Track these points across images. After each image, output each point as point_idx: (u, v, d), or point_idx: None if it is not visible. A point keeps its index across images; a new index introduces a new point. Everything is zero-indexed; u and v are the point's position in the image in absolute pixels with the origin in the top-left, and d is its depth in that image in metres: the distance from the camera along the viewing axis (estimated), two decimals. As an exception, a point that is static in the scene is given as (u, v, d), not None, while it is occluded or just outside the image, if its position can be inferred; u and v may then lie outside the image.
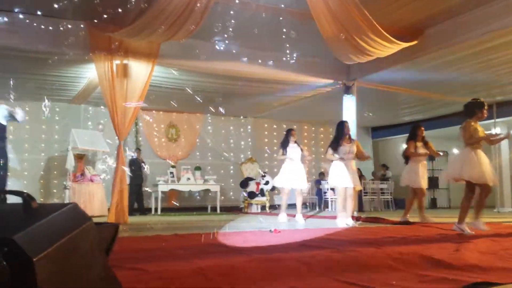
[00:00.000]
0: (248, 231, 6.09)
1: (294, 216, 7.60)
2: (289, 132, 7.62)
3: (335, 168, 6.89)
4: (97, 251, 1.49)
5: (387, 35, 6.21)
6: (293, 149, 7.51)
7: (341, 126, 7.03)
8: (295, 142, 7.59)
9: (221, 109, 10.19)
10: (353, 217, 7.10)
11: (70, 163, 9.35)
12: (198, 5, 5.29)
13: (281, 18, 6.25)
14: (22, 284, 1.23)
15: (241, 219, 8.56)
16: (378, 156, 15.57)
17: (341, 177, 6.79)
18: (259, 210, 11.62)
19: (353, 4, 5.52)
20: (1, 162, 4.67)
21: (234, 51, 7.23)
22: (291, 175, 7.41)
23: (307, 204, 12.63)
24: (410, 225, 6.55)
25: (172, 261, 3.18)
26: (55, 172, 10.74)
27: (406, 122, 13.89)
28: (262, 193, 11.80)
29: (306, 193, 11.76)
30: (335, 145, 6.90)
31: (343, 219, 6.77)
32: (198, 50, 7.53)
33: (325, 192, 12.40)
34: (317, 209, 12.09)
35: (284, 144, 7.53)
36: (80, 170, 9.49)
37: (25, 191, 1.52)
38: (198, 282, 2.39)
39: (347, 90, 9.13)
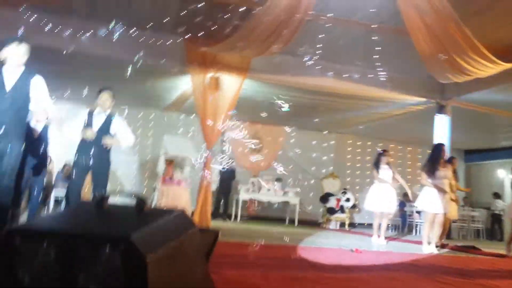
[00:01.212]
0: (328, 248, 6.02)
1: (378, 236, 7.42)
2: (381, 154, 7.49)
3: (426, 192, 6.58)
4: (200, 256, 1.59)
5: (489, 54, 5.83)
6: (384, 171, 7.35)
7: (438, 149, 6.72)
8: (387, 164, 7.41)
9: (304, 123, 10.17)
10: (443, 245, 6.77)
11: (161, 167, 9.93)
12: (291, 22, 5.40)
13: (374, 38, 6.14)
14: (134, 283, 1.32)
15: (320, 235, 8.47)
16: (471, 181, 14.53)
17: (431, 202, 6.44)
18: (338, 227, 11.40)
19: (452, 21, 5.27)
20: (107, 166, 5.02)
21: (323, 66, 7.24)
22: (381, 198, 7.25)
23: (389, 225, 12.12)
24: (504, 258, 6.08)
25: (255, 270, 3.25)
26: (146, 175, 11.46)
27: (504, 147, 12.83)
28: (342, 210, 11.57)
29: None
30: (430, 169, 6.56)
31: (428, 245, 6.44)
32: (287, 64, 7.66)
33: (409, 215, 11.83)
34: (402, 232, 11.52)
35: (376, 165, 7.40)
36: (169, 174, 10.02)
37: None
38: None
39: (440, 109, 8.67)
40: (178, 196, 9.71)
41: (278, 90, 8.79)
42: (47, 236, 1.41)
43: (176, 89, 9.30)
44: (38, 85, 3.83)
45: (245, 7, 5.75)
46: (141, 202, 1.57)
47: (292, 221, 11.34)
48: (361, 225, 12.33)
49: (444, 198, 6.44)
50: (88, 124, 4.87)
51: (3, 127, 3.59)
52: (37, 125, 5.26)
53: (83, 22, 6.71)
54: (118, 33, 6.86)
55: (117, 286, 1.32)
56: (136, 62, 7.41)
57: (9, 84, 3.68)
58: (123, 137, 4.97)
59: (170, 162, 10.21)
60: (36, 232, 1.44)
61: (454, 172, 7.35)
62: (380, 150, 7.83)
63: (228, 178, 11.07)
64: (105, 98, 4.94)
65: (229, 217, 11.04)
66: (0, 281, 1.45)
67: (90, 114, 4.93)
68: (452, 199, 7.05)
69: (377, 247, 6.66)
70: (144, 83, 9.00)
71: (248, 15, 5.84)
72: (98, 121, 4.92)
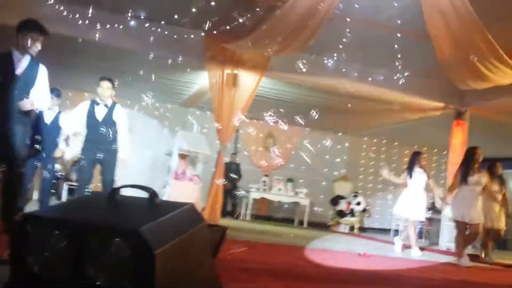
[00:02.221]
0: (336, 250, 5.98)
1: (410, 247, 6.76)
2: (416, 155, 6.88)
3: (457, 198, 6.15)
4: (207, 251, 1.59)
5: (511, 61, 5.72)
6: (418, 175, 6.72)
7: (472, 152, 6.20)
8: (422, 167, 6.79)
9: (319, 124, 10.06)
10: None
11: (174, 161, 9.96)
12: (313, 21, 5.36)
13: (395, 41, 6.06)
14: (142, 275, 1.32)
15: (328, 238, 8.43)
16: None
17: (464, 209, 6.00)
18: (347, 231, 11.32)
19: (475, 27, 5.18)
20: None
21: (341, 67, 7.17)
22: (411, 204, 6.67)
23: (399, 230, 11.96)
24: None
25: (263, 275, 3.23)
26: (158, 169, 11.48)
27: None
28: (352, 213, 11.49)
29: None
30: (463, 172, 6.10)
31: (465, 258, 5.95)
32: (305, 63, 7.59)
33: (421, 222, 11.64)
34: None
35: (410, 168, 6.78)
36: (182, 169, 10.05)
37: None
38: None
39: (459, 116, 8.55)
40: (190, 192, 9.74)
41: (295, 89, 8.75)
42: (58, 225, 1.42)
43: (193, 84, 9.31)
44: (43, 74, 3.84)
45: (267, 5, 5.73)
46: (153, 195, 1.57)
47: (301, 222, 11.31)
48: (371, 229, 12.23)
49: (476, 207, 5.97)
50: (91, 113, 4.89)
51: (13, 113, 3.61)
52: (43, 111, 5.23)
53: (101, 13, 6.69)
54: (136, 26, 6.87)
55: (125, 278, 1.33)
56: (154, 55, 7.44)
57: (19, 70, 3.68)
58: (121, 128, 4.98)
59: (183, 157, 10.23)
60: (47, 220, 1.45)
61: (500, 178, 6.82)
62: (416, 150, 7.26)
63: (232, 174, 10.79)
64: (105, 87, 4.91)
65: (233, 214, 10.94)
66: (13, 265, 1.46)
67: (93, 103, 4.95)
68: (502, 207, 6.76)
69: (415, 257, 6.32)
70: (162, 77, 9.03)
71: (269, 13, 5.81)
72: (100, 112, 4.91)
